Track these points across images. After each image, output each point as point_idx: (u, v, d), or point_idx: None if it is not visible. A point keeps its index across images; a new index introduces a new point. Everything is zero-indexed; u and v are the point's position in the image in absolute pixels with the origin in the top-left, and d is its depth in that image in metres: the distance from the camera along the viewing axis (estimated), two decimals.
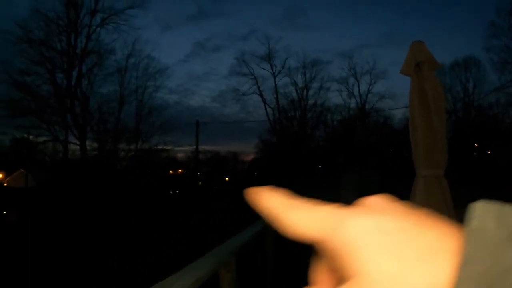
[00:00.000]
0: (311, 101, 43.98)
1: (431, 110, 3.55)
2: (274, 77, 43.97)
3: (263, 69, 44.41)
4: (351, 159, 37.32)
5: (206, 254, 2.86)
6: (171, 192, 37.40)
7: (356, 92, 43.80)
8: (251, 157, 54.22)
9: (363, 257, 0.30)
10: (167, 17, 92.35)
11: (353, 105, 44.28)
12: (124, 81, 35.67)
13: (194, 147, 38.15)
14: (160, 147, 37.03)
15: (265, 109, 44.05)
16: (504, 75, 34.61)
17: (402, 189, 3.65)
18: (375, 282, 0.29)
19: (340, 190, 23.67)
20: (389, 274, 0.29)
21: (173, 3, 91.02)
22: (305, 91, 43.81)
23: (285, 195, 0.37)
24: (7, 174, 39.44)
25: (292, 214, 0.35)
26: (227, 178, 49.85)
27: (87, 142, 32.64)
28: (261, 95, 44.03)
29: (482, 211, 0.29)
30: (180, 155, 48.78)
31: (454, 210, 3.64)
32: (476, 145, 37.87)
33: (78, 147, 32.20)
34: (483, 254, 0.26)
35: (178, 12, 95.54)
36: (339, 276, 0.33)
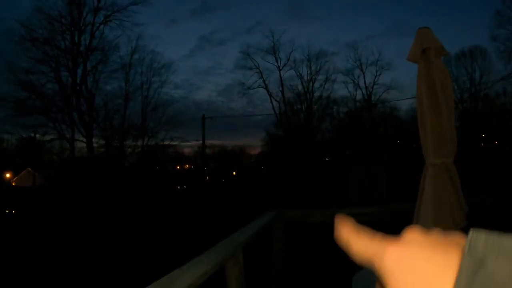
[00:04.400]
0: (317, 94, 43.95)
1: (439, 97, 3.48)
2: (279, 70, 43.92)
3: (268, 62, 44.37)
4: (358, 151, 37.27)
5: (212, 248, 2.81)
6: (178, 187, 37.49)
7: (362, 84, 43.68)
8: (258, 150, 54.43)
9: (393, 284, 0.40)
10: (171, 11, 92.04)
11: (359, 96, 44.23)
12: (129, 78, 35.84)
13: (201, 142, 38.23)
14: (166, 143, 37.13)
15: (271, 102, 44.02)
16: (511, 64, 34.44)
17: (408, 180, 3.61)
18: None
19: (348, 184, 23.74)
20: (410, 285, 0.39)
21: None
22: (310, 84, 43.77)
23: (353, 225, 0.48)
24: (15, 173, 39.64)
25: (356, 240, 0.46)
26: (234, 173, 49.94)
27: (94, 140, 32.84)
28: (266, 88, 44.00)
29: (479, 243, 0.37)
30: (186, 150, 49.02)
31: (464, 198, 3.59)
32: (483, 135, 37.71)
33: (84, 144, 32.36)
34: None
35: (181, 6, 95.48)
36: None
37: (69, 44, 32.52)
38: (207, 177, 43.41)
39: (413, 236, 0.44)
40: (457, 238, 0.44)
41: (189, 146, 46.89)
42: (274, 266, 5.17)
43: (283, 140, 42.81)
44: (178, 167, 47.22)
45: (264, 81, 43.93)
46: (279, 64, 43.91)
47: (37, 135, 33.47)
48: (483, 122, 36.77)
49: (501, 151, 33.02)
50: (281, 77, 43.92)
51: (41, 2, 30.80)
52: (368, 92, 43.43)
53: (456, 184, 3.57)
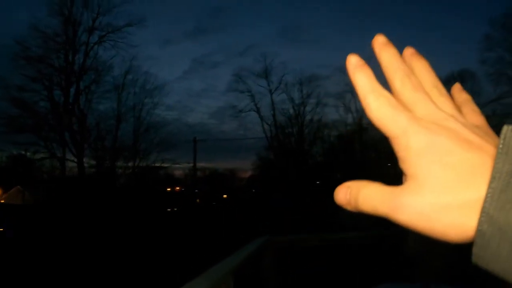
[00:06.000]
0: (308, 117, 43.97)
1: None
2: (271, 94, 44.02)
3: (260, 85, 44.50)
4: (349, 175, 37.20)
5: (202, 274, 2.77)
6: (169, 209, 37.28)
7: (353, 107, 43.93)
8: (249, 174, 54.17)
9: (422, 165, 0.40)
10: (166, 33, 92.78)
11: (350, 120, 44.38)
12: (122, 98, 35.68)
13: (192, 164, 38.16)
14: (158, 165, 36.86)
15: (262, 125, 44.01)
16: (500, 86, 34.85)
17: None
18: (428, 185, 0.39)
19: (339, 208, 23.68)
20: (441, 181, 0.38)
21: (171, 20, 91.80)
22: (302, 107, 43.85)
23: (373, 77, 0.47)
24: (4, 191, 39.27)
25: (380, 102, 0.45)
26: (225, 196, 49.73)
27: (85, 160, 32.54)
28: (258, 111, 44.01)
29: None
30: (178, 172, 48.76)
31: None
32: None
33: (75, 164, 32.12)
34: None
35: (176, 28, 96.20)
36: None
37: (63, 63, 32.46)
38: (198, 200, 43.23)
39: (447, 123, 0.43)
40: (493, 135, 0.45)
41: (180, 168, 46.67)
42: None
43: (274, 163, 42.78)
44: (169, 189, 47.01)
45: (255, 104, 43.97)
46: (270, 88, 44.03)
47: (28, 153, 33.24)
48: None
49: None
50: (272, 101, 44.02)
51: (36, 20, 30.93)
52: (359, 116, 43.62)
53: None
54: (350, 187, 0.48)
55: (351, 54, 0.50)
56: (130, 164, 35.52)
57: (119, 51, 34.38)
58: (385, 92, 0.46)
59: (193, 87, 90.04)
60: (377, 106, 0.45)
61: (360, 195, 0.46)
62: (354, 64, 0.49)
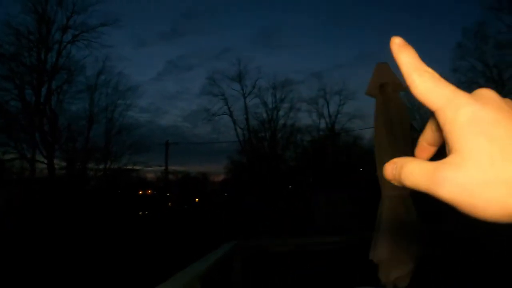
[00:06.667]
0: (281, 122, 44.26)
1: (396, 131, 3.58)
2: (244, 98, 44.10)
3: (234, 89, 44.52)
4: (322, 179, 37.55)
5: (169, 279, 2.77)
6: (140, 213, 36.96)
7: (326, 113, 44.26)
8: (221, 177, 54.17)
9: (468, 138, 0.40)
10: (141, 34, 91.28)
11: (323, 125, 44.74)
12: (94, 99, 35.24)
13: (164, 167, 37.93)
14: (129, 167, 36.53)
15: (235, 129, 44.05)
16: None
17: (373, 208, 3.68)
18: (473, 159, 0.39)
19: (312, 212, 23.85)
20: (486, 155, 0.38)
21: (147, 21, 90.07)
22: (275, 112, 44.09)
23: (417, 56, 0.47)
24: None
25: (424, 78, 0.45)
26: (197, 199, 49.52)
27: (55, 161, 31.98)
28: (231, 115, 44.02)
29: None
30: (150, 176, 48.34)
31: (421, 228, 3.66)
32: None
33: (45, 165, 31.53)
34: None
35: (151, 30, 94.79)
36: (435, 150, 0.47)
37: (35, 62, 31.96)
38: (170, 203, 42.97)
39: (491, 96, 0.43)
40: None
41: (152, 171, 46.27)
42: None
43: (247, 167, 42.81)
44: (140, 192, 46.61)
45: (229, 108, 43.98)
46: (244, 92, 44.16)
47: None
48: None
49: None
50: (246, 105, 44.12)
51: (9, 17, 30.39)
52: (332, 121, 44.02)
53: (412, 215, 3.64)
54: (396, 163, 0.48)
55: (394, 36, 0.50)
56: (101, 166, 35.14)
57: (92, 51, 33.96)
58: (429, 69, 0.46)
59: (167, 90, 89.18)
60: (422, 81, 0.45)
61: (403, 170, 0.47)
62: (398, 44, 0.49)
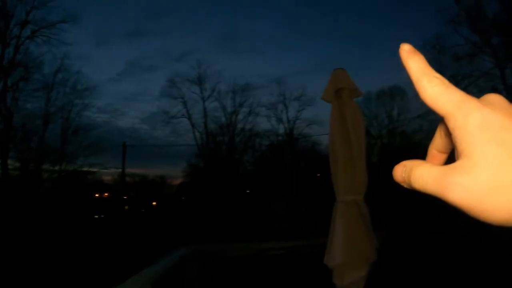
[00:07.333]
0: (240, 126, 44.33)
1: (351, 136, 3.63)
2: (204, 101, 43.95)
3: (193, 92, 44.34)
4: (280, 184, 37.80)
5: (119, 285, 2.70)
6: (96, 216, 36.38)
7: (284, 118, 44.59)
8: (179, 181, 53.80)
9: (477, 143, 0.40)
10: (101, 33, 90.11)
11: (281, 130, 45.05)
12: (51, 98, 34.38)
13: (121, 169, 37.44)
14: (85, 169, 35.98)
15: (194, 133, 43.84)
16: None
17: (331, 213, 3.71)
18: (482, 163, 0.40)
19: (271, 216, 23.91)
20: (495, 159, 0.39)
21: (108, 19, 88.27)
22: (234, 116, 44.13)
23: (425, 62, 0.48)
24: None
25: (433, 83, 0.46)
26: (154, 203, 49.10)
27: (9, 161, 31.05)
28: (189, 118, 43.76)
29: None
30: (106, 178, 47.65)
31: (374, 233, 3.70)
32: None
33: None
34: None
35: (112, 29, 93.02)
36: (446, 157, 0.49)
37: None
38: (126, 207, 42.43)
39: (499, 101, 0.44)
40: None
41: (109, 173, 45.61)
42: None
43: (205, 171, 42.68)
44: (97, 195, 45.82)
45: (187, 111, 43.73)
46: (203, 95, 44.01)
47: None
48: (400, 157, 38.56)
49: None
50: (204, 108, 44.00)
51: None
52: (291, 126, 44.37)
53: (366, 220, 3.69)
54: (406, 166, 0.49)
55: (404, 43, 0.50)
56: (56, 167, 34.37)
57: (51, 48, 33.53)
58: (438, 74, 0.47)
59: (126, 90, 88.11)
60: (431, 86, 0.45)
61: (412, 174, 0.47)
62: (407, 50, 0.49)
